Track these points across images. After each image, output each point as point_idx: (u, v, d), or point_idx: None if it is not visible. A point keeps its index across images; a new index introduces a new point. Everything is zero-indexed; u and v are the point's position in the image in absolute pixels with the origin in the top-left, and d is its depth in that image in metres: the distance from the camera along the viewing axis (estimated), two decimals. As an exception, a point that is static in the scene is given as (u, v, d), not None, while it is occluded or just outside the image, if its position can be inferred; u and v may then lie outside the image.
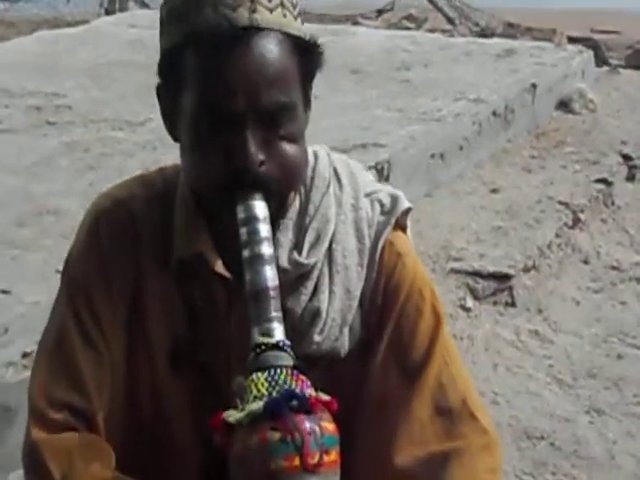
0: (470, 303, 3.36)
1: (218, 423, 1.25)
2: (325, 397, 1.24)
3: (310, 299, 1.48)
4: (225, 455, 1.26)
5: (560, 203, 4.08)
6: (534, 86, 5.08)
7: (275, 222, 1.41)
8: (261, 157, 1.32)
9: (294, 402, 1.19)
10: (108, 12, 9.55)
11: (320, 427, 1.20)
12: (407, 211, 1.55)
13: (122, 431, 1.53)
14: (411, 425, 1.49)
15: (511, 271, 3.51)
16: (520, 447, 2.73)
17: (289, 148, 1.36)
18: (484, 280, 3.45)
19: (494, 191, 4.21)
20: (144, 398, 1.56)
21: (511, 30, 8.06)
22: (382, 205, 1.55)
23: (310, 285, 1.49)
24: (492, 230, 3.79)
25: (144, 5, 10.17)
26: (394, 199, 1.56)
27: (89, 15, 8.66)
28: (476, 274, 3.46)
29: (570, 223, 4.01)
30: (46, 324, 1.56)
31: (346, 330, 1.51)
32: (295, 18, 1.37)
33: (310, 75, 1.43)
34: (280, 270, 1.37)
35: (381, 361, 1.51)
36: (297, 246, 1.47)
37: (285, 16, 1.35)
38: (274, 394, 1.22)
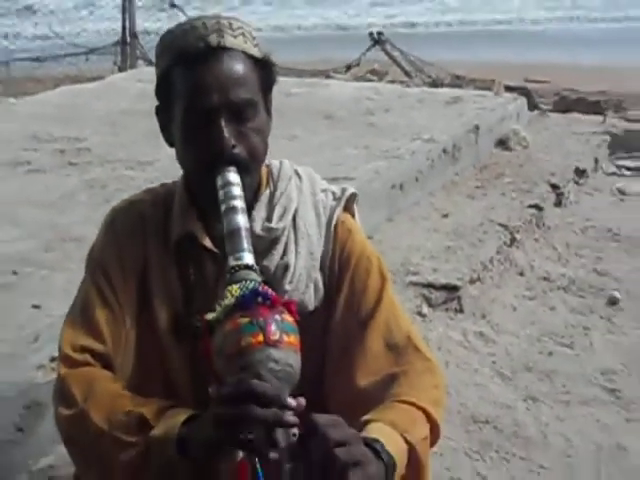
0: (425, 310, 3.37)
1: (204, 327, 1.30)
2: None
3: (281, 258, 1.58)
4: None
5: (499, 225, 4.10)
6: (477, 127, 5.11)
7: (250, 205, 1.52)
8: (233, 142, 1.46)
9: (260, 298, 1.24)
10: (120, 69, 9.56)
11: (281, 317, 1.27)
12: (353, 197, 1.68)
13: (132, 378, 1.58)
14: (367, 359, 1.58)
15: (459, 283, 3.52)
16: (468, 430, 2.75)
17: (254, 138, 1.51)
18: (437, 291, 3.46)
19: (445, 216, 4.23)
20: (151, 357, 1.60)
21: (457, 81, 8.09)
22: (334, 194, 1.70)
23: (280, 248, 1.59)
24: (443, 249, 3.80)
25: (150, 63, 10.20)
26: (342, 189, 1.71)
27: (105, 72, 8.66)
28: (430, 286, 3.47)
29: (508, 242, 4.04)
30: (73, 302, 1.63)
31: (311, 286, 1.60)
32: (254, 46, 1.52)
33: (268, 86, 1.57)
34: (255, 236, 1.48)
35: (340, 314, 1.61)
36: (268, 218, 1.60)
37: (246, 42, 1.51)
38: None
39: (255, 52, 1.52)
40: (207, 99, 1.46)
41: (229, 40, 1.49)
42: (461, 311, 3.48)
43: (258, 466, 1.28)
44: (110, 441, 1.43)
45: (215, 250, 1.56)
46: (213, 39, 1.47)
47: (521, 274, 3.91)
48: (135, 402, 1.49)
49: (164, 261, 1.61)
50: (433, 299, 3.44)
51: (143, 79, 6.16)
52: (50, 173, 4.17)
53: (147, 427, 1.41)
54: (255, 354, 1.24)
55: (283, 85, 5.74)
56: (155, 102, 1.59)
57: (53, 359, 2.31)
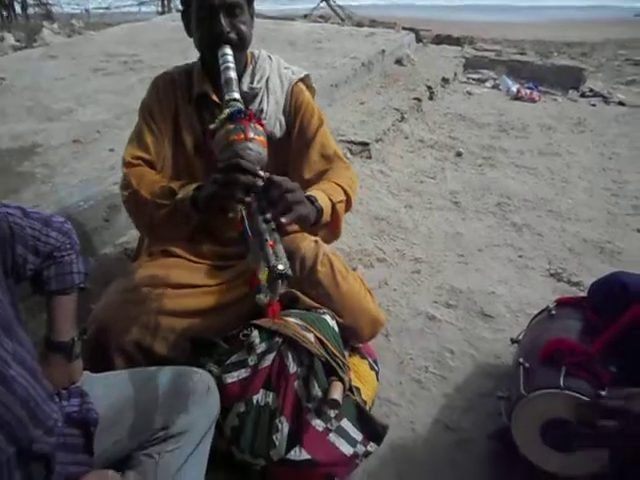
0: (349, 156, 3.36)
1: (210, 134, 1.30)
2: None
3: (259, 105, 1.55)
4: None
5: (394, 109, 4.04)
6: (383, 51, 4.92)
7: (241, 74, 1.51)
8: (228, 29, 1.41)
9: (242, 114, 1.24)
10: (161, 14, 8.97)
11: (254, 125, 1.26)
12: (306, 76, 1.63)
13: (169, 178, 1.58)
14: (310, 163, 1.58)
15: (369, 141, 3.49)
16: (372, 224, 2.81)
17: (241, 27, 1.47)
18: (356, 145, 3.44)
19: (362, 103, 4.14)
20: (181, 165, 1.60)
21: (373, 23, 7.75)
22: (293, 71, 1.60)
23: (258, 99, 1.57)
24: (360, 122, 3.75)
25: (179, 11, 9.59)
26: (299, 70, 1.62)
27: (151, 16, 8.11)
28: (352, 142, 3.44)
29: (399, 119, 3.99)
30: (131, 133, 1.60)
31: (277, 123, 1.58)
32: None
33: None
34: (243, 92, 1.47)
35: (295, 140, 1.61)
36: (251, 82, 1.53)
37: None
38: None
39: None
40: (211, 2, 1.39)
41: None
42: (370, 158, 3.46)
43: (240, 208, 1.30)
44: (153, 205, 1.47)
45: (220, 103, 1.52)
46: None
47: (406, 138, 3.89)
48: (167, 182, 1.50)
49: (189, 110, 1.57)
50: (354, 150, 3.42)
51: (175, 19, 5.79)
52: (118, 75, 3.96)
53: (174, 194, 1.44)
54: (238, 145, 1.24)
55: (266, 24, 5.55)
56: (182, 34, 1.53)
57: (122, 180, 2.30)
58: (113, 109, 3.24)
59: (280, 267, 1.06)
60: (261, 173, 1.23)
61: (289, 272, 1.07)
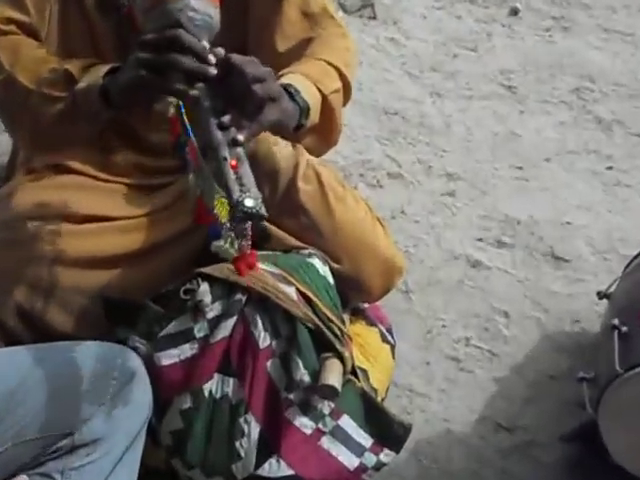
0: (342, 15, 3.28)
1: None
2: None
3: None
4: None
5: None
6: None
7: None
8: None
9: None
10: None
11: None
12: None
13: (58, 53, 1.51)
14: (284, 26, 1.57)
15: (373, -9, 3.40)
16: (380, 120, 2.79)
17: None
18: (352, -2, 3.36)
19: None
20: (77, 32, 1.52)
21: None
22: None
23: None
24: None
25: None
26: None
27: None
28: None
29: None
30: None
31: None
32: None
33: None
34: None
35: None
36: None
37: None
38: None
39: None
40: None
41: None
42: (374, 18, 3.38)
43: (181, 105, 1.27)
44: (38, 98, 1.41)
45: None
46: None
47: (430, -13, 3.79)
48: (60, 63, 1.45)
49: None
50: (348, 6, 3.35)
51: None
52: None
53: (73, 82, 1.40)
54: (175, 4, 1.19)
55: None
56: None
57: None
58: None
59: (248, 203, 0.99)
60: (212, 59, 1.17)
61: (262, 210, 1.01)
